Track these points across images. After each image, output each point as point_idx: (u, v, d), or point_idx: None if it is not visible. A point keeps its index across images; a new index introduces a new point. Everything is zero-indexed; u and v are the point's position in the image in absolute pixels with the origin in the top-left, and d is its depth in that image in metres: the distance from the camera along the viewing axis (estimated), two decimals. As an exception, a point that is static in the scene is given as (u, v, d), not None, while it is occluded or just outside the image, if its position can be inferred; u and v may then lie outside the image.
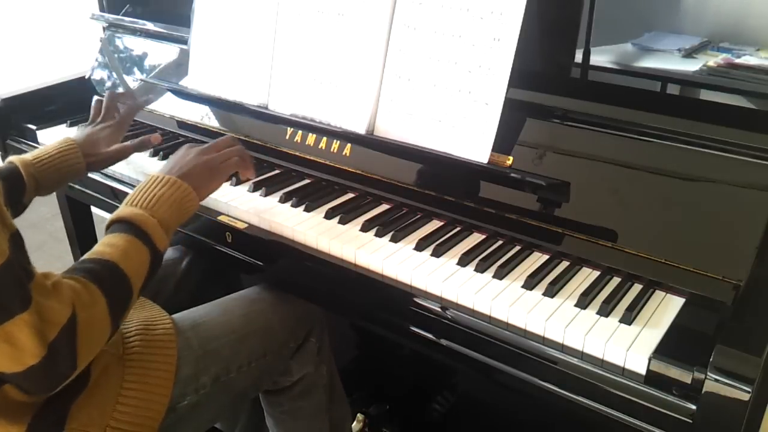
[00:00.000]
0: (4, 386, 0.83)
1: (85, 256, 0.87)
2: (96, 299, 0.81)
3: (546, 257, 1.02)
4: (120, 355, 0.96)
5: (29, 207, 1.16)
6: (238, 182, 1.27)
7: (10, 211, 0.79)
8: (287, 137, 1.31)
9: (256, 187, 1.24)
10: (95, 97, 1.36)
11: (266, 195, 1.22)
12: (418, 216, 1.14)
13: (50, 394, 0.84)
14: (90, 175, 1.33)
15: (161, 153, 1.41)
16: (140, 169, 1.37)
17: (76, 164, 1.20)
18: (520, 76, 1.05)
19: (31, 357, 0.73)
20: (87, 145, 1.22)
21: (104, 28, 1.78)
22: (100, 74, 1.74)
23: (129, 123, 1.35)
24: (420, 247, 1.04)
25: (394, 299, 1.00)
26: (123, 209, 0.94)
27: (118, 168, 1.35)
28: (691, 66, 1.13)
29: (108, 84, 1.71)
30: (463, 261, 1.00)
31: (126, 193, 1.30)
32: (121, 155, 1.29)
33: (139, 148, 1.33)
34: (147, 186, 0.98)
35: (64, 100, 1.68)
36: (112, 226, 0.92)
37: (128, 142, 1.30)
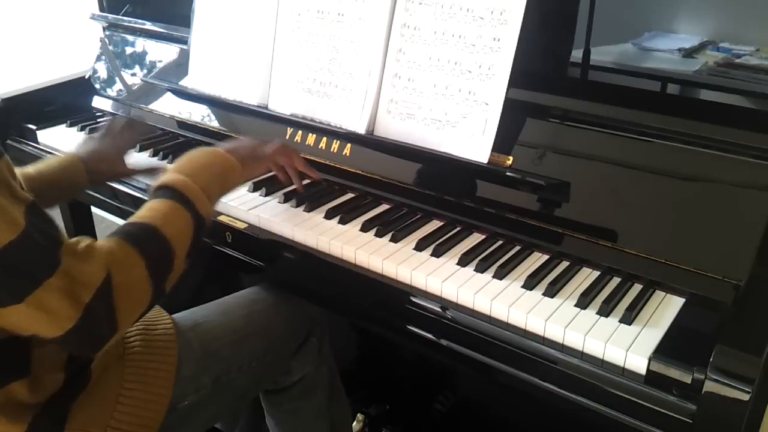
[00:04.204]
0: (9, 385, 0.83)
1: (126, 221, 0.87)
2: (133, 261, 0.80)
3: (546, 257, 1.02)
4: (120, 354, 0.97)
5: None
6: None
7: None
8: (287, 137, 1.31)
9: (256, 188, 1.24)
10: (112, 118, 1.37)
11: (266, 195, 1.22)
12: (418, 216, 1.14)
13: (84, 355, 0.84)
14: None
15: (161, 153, 1.41)
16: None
17: (77, 180, 1.18)
18: (520, 76, 1.05)
19: (66, 320, 0.73)
20: (91, 162, 1.20)
21: (104, 28, 1.78)
22: (100, 74, 1.74)
23: (134, 144, 1.34)
24: (420, 247, 1.04)
25: (394, 299, 1.00)
26: (166, 176, 0.94)
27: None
28: (691, 66, 1.13)
29: (108, 84, 1.72)
30: (463, 261, 1.00)
31: (125, 193, 1.32)
32: (125, 176, 1.28)
33: (145, 173, 1.31)
34: (192, 155, 0.99)
35: (64, 100, 1.69)
36: (155, 193, 0.92)
37: (134, 166, 1.28)
